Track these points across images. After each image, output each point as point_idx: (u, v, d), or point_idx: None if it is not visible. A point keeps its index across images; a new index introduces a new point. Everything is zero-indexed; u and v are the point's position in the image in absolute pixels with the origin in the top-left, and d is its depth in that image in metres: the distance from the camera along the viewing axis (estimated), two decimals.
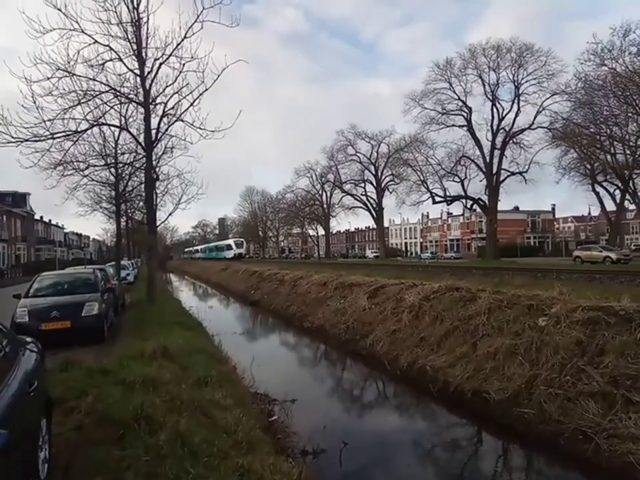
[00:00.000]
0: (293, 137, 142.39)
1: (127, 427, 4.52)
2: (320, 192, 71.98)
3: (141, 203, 24.12)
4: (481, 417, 7.51)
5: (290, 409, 7.84)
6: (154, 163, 15.95)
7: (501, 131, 46.94)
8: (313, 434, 6.70)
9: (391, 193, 62.26)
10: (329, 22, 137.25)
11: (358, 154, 64.24)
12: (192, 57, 13.40)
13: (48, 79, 12.45)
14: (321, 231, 79.39)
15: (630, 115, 34.94)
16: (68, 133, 13.38)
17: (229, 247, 76.53)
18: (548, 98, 43.41)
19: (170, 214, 21.24)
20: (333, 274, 19.08)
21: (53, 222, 72.89)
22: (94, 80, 13.26)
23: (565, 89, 40.38)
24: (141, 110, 14.77)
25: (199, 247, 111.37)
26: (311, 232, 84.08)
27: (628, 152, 38.55)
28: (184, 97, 13.96)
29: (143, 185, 18.80)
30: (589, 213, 75.60)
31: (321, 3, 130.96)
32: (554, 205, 76.55)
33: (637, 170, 39.01)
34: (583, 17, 78.35)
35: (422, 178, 53.30)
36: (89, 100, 13.36)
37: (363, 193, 65.51)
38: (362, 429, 8.03)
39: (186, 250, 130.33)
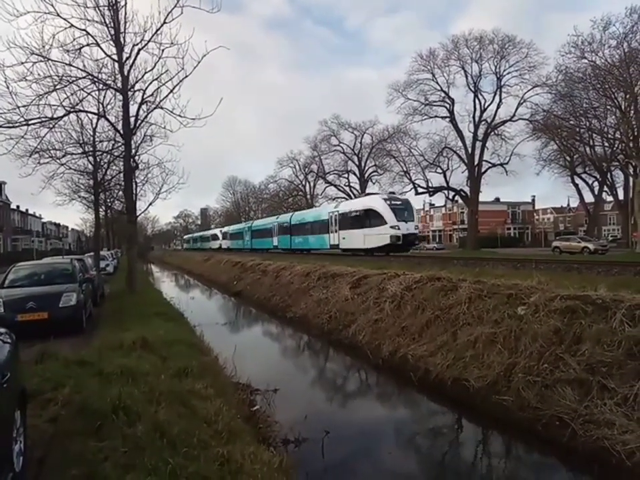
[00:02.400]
0: (277, 126, 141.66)
1: (104, 418, 4.44)
2: (303, 182, 71.86)
3: (120, 192, 23.70)
4: (461, 404, 7.59)
5: (272, 399, 7.83)
6: (133, 151, 15.70)
7: (483, 122, 47.40)
8: (295, 423, 6.70)
9: (374, 183, 62.42)
10: (314, 8, 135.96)
11: (341, 144, 64.26)
12: (171, 43, 13.21)
13: (22, 63, 12.14)
14: None
15: (608, 107, 35.55)
16: (43, 119, 13.07)
17: (366, 220, 27.17)
18: (529, 90, 43.98)
19: (150, 204, 20.94)
20: (316, 264, 19.05)
21: (30, 211, 71.41)
22: (70, 65, 12.98)
23: (546, 81, 40.97)
24: (119, 97, 14.50)
25: (226, 229, 66.45)
26: None
27: (606, 144, 39.31)
28: (163, 84, 13.77)
29: (122, 174, 18.48)
30: (568, 205, 77.05)
31: None
32: (534, 196, 77.77)
33: (615, 162, 39.79)
34: (566, 9, 79.16)
35: (405, 169, 53.66)
36: (65, 86, 13.06)
37: (347, 184, 65.60)
38: (344, 418, 8.06)
39: (186, 237, 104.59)
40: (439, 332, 9.40)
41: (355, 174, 64.52)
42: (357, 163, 63.79)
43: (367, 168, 63.19)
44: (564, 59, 35.92)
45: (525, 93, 44.29)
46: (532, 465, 6.27)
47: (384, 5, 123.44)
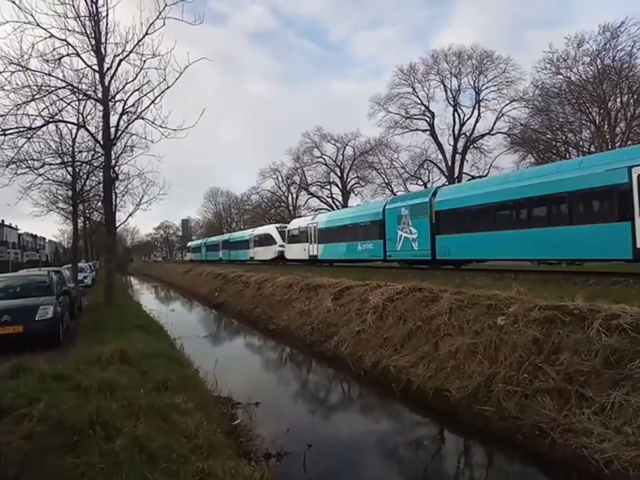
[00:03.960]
0: (260, 137, 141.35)
1: (81, 433, 4.34)
2: (286, 194, 71.92)
3: (100, 203, 23.54)
4: (443, 415, 7.61)
5: (254, 412, 7.76)
6: (113, 161, 15.59)
7: (462, 135, 48.35)
8: (276, 437, 6.64)
9: (356, 195, 62.94)
10: (297, 21, 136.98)
11: (324, 156, 64.70)
12: (153, 54, 13.20)
13: (0, 72, 11.97)
14: None
15: (583, 122, 36.51)
16: (21, 129, 12.92)
17: None
18: (507, 104, 45.18)
19: (130, 215, 20.83)
20: (299, 276, 19.02)
21: (6, 223, 69.89)
22: (49, 75, 12.87)
23: (523, 96, 42.07)
24: (100, 107, 14.41)
25: (304, 222, 34.14)
26: None
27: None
28: (145, 95, 13.73)
29: (101, 185, 18.29)
30: None
31: (288, 0, 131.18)
32: None
33: None
34: (545, 25, 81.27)
35: (386, 181, 54.54)
36: (44, 96, 12.95)
37: (329, 195, 65.95)
38: (326, 431, 8.01)
39: (195, 244, 74.38)
40: (421, 343, 9.44)
41: (337, 185, 64.96)
42: (339, 174, 64.24)
43: (349, 180, 63.68)
44: (540, 74, 37.02)
45: (503, 107, 45.55)
46: (513, 476, 6.31)
47: (367, 19, 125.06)
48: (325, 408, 9.34)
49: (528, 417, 6.31)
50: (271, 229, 41.25)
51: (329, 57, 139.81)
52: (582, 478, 5.33)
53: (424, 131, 50.17)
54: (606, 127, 34.00)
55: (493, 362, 7.50)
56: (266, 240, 40.28)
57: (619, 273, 13.10)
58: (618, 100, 33.57)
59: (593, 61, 33.43)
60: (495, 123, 46.30)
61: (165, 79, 13.31)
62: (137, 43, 13.16)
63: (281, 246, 36.90)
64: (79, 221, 26.65)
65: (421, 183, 51.09)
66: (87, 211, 28.18)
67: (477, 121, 47.68)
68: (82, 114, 15.49)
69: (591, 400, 5.95)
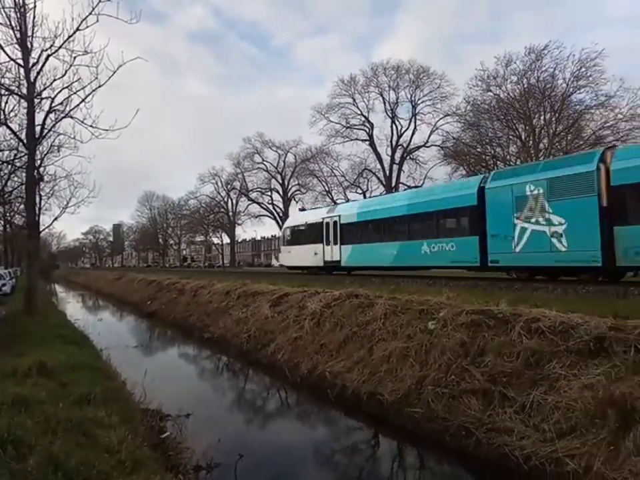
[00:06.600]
0: (200, 140, 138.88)
1: None
2: (225, 199, 70.89)
3: (22, 206, 22.00)
4: (376, 418, 7.73)
5: (184, 424, 7.49)
6: (38, 161, 14.67)
7: (400, 147, 49.95)
8: (207, 448, 6.45)
9: (297, 202, 63.02)
10: (239, 23, 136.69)
11: (265, 162, 64.51)
12: (85, 51, 12.62)
13: None
14: (226, 239, 77.87)
15: (511, 137, 38.73)
16: None
17: None
18: (441, 118, 47.24)
19: (55, 218, 19.43)
20: (237, 283, 18.74)
21: None
22: None
23: (456, 111, 43.99)
24: (24, 103, 13.54)
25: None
26: (216, 240, 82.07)
27: None
28: (74, 93, 13.09)
29: (24, 186, 17.15)
30: None
31: (231, 2, 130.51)
32: None
33: None
34: (480, 41, 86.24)
35: (327, 188, 55.26)
36: None
37: (270, 202, 65.72)
38: (260, 440, 7.88)
39: (331, 218, 23.08)
40: (356, 348, 9.56)
41: (278, 192, 64.92)
42: (281, 181, 64.26)
43: (290, 186, 63.85)
44: (472, 90, 38.90)
45: (437, 121, 47.62)
46: (440, 476, 6.50)
47: (311, 26, 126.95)
48: (260, 417, 9.20)
49: (455, 417, 6.54)
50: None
51: (271, 62, 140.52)
52: (504, 476, 5.58)
53: (363, 140, 51.41)
54: (531, 142, 36.22)
55: (423, 365, 7.72)
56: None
57: (540, 280, 13.97)
58: (542, 117, 35.88)
59: (520, 80, 35.59)
60: (429, 135, 48.38)
61: (97, 78, 12.77)
62: (67, 39, 12.55)
63: None
64: None
65: (360, 192, 52.19)
66: (8, 214, 26.37)
67: (413, 133, 49.59)
68: (3, 110, 14.50)
69: (513, 400, 6.26)
